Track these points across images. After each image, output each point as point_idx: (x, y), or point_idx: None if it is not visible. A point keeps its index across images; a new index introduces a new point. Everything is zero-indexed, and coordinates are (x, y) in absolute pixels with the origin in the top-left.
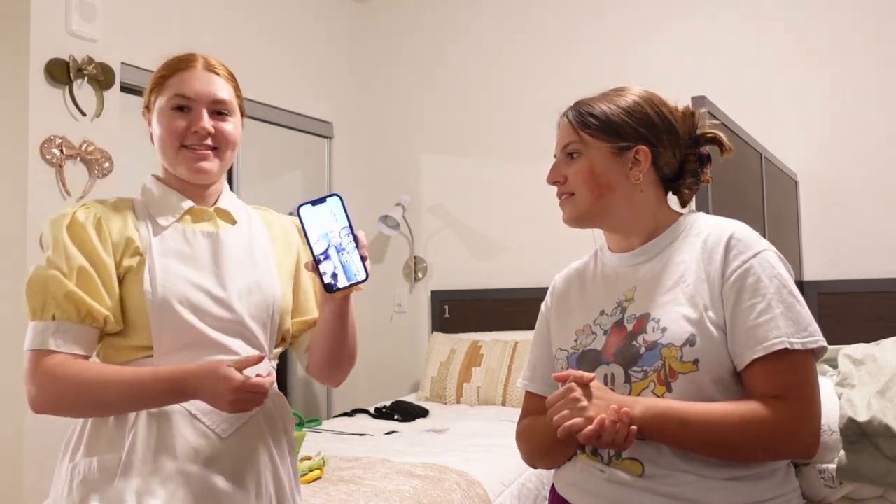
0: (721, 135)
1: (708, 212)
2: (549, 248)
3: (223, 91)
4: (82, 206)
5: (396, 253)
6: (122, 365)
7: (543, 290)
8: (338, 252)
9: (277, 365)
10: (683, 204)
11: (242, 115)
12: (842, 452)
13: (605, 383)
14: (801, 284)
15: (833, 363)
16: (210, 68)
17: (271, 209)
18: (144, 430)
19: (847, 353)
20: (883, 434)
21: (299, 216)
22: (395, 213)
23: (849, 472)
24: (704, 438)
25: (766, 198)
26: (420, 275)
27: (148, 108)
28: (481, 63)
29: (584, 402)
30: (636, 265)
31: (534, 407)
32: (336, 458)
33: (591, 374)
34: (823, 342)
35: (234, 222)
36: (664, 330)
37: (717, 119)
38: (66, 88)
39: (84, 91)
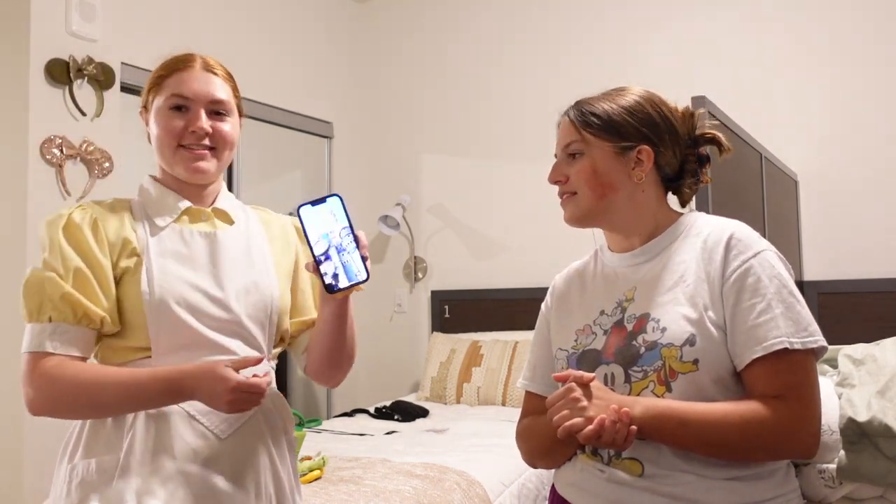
0: (720, 135)
1: (708, 212)
2: (549, 248)
3: (221, 91)
4: (78, 206)
5: (396, 253)
6: (120, 366)
7: (543, 290)
8: (338, 252)
9: (278, 365)
10: (683, 204)
11: (240, 115)
12: (842, 452)
13: (605, 383)
14: (801, 284)
15: (833, 363)
16: (208, 68)
17: (270, 209)
18: (143, 432)
19: (847, 353)
20: (883, 434)
21: (299, 217)
22: (395, 213)
23: (849, 472)
24: (704, 438)
25: (766, 198)
26: (420, 275)
27: (145, 107)
28: (481, 63)
29: (585, 402)
30: (636, 265)
31: (534, 407)
32: (336, 458)
33: (592, 375)
34: (823, 342)
35: (231, 222)
36: (664, 330)
37: (717, 119)
38: (66, 88)
39: (84, 91)
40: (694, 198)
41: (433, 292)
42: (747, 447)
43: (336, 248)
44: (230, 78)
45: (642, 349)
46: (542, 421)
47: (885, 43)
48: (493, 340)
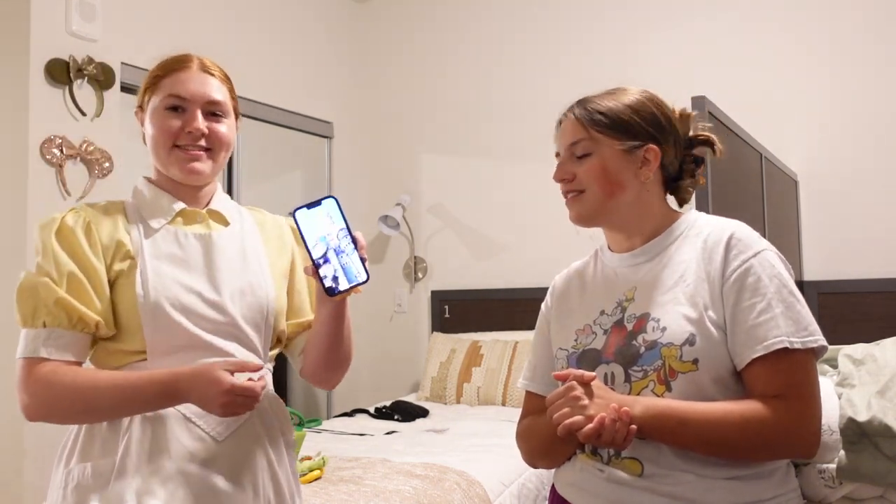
0: (714, 137)
1: (708, 212)
2: (549, 248)
3: (218, 92)
4: (72, 210)
5: (396, 253)
6: (117, 369)
7: (543, 290)
8: (337, 255)
9: (277, 365)
10: (681, 204)
11: (237, 116)
12: (842, 452)
13: (605, 383)
14: (801, 284)
15: (833, 363)
16: (205, 69)
17: (270, 209)
18: (139, 435)
19: (847, 353)
20: (883, 434)
21: (295, 220)
22: (395, 213)
23: (849, 472)
24: (704, 437)
25: (766, 198)
26: (420, 275)
27: (141, 107)
28: (481, 63)
29: (586, 401)
30: (636, 265)
31: (534, 407)
32: (336, 458)
33: (592, 374)
34: (823, 341)
35: (226, 224)
36: (664, 329)
37: (717, 119)
38: (66, 88)
39: (84, 91)
40: (694, 198)
41: (433, 292)
42: (747, 446)
43: (334, 250)
44: (227, 79)
45: (642, 349)
46: (543, 421)
47: (885, 43)
48: (493, 340)
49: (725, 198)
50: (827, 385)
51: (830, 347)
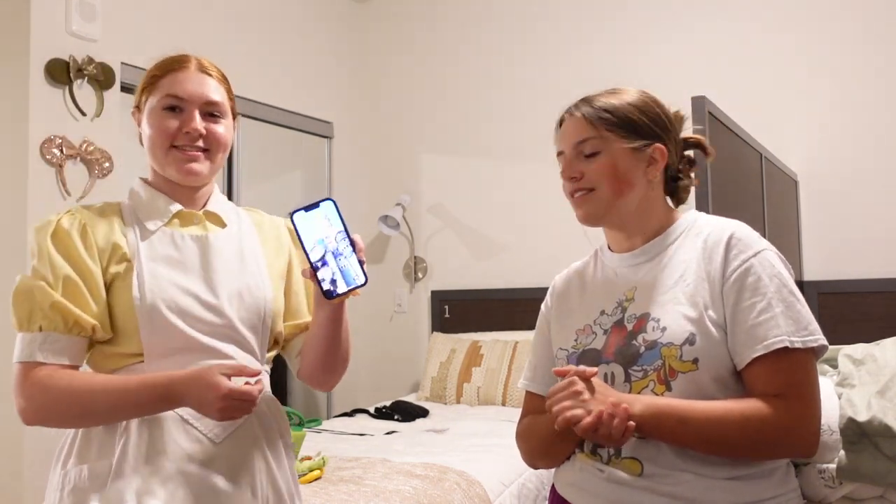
0: (705, 140)
1: (708, 212)
2: (549, 248)
3: (216, 93)
4: (67, 212)
5: (396, 253)
6: (113, 371)
7: (543, 290)
8: (335, 257)
9: (277, 366)
10: (678, 204)
11: (234, 117)
12: (842, 452)
13: (605, 383)
14: (801, 284)
15: (833, 363)
16: (203, 69)
17: (270, 209)
18: (136, 437)
19: (847, 353)
20: (883, 434)
21: (293, 223)
22: (395, 213)
23: (849, 472)
24: (704, 436)
25: (766, 198)
26: (420, 275)
27: (138, 108)
28: (481, 63)
29: (586, 396)
30: (636, 265)
31: (534, 407)
32: (336, 458)
33: (594, 369)
34: (824, 341)
35: (223, 225)
36: (664, 329)
37: (717, 119)
38: (66, 88)
39: (84, 91)
40: (694, 198)
41: (433, 292)
42: (747, 445)
43: (332, 253)
44: (224, 80)
45: (642, 348)
46: (543, 420)
47: (886, 43)
48: (493, 340)
49: (725, 198)
50: (827, 385)
51: (830, 347)
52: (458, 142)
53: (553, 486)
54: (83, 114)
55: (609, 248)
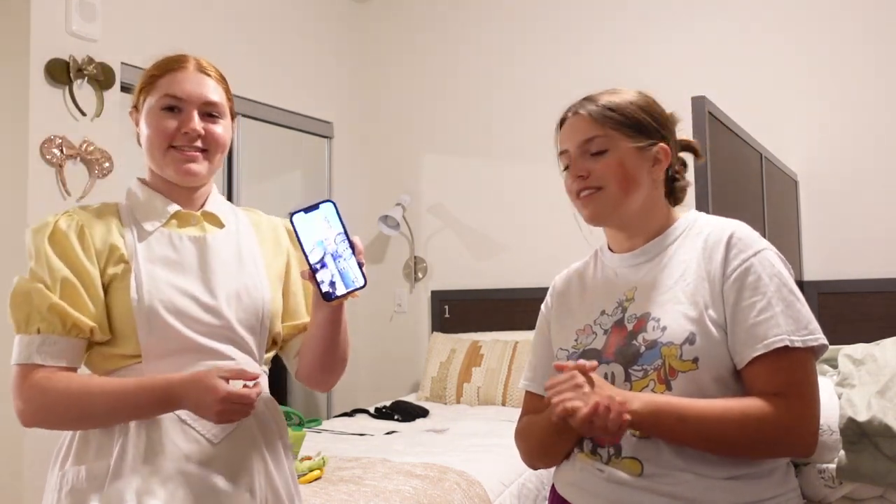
0: (696, 142)
1: (708, 212)
2: (549, 248)
3: (214, 93)
4: (65, 213)
5: (396, 253)
6: (112, 372)
7: (543, 290)
8: (334, 259)
9: (276, 366)
10: (675, 204)
11: (233, 118)
12: (842, 452)
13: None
14: (801, 284)
15: (833, 363)
16: (202, 70)
17: (270, 209)
18: (134, 437)
19: (847, 353)
20: (883, 434)
21: (293, 225)
22: (395, 213)
23: (849, 471)
24: (704, 433)
25: (766, 198)
26: (420, 275)
27: (136, 107)
28: (481, 62)
29: (587, 389)
30: (637, 265)
31: (534, 406)
32: (336, 458)
33: (593, 363)
34: (824, 340)
35: (221, 226)
36: (664, 329)
37: (717, 119)
38: (66, 88)
39: (84, 91)
40: (694, 198)
41: (433, 292)
42: (746, 443)
43: (332, 255)
44: (223, 80)
45: (642, 348)
46: (541, 419)
47: (885, 43)
48: (493, 340)
49: (725, 198)
50: (827, 385)
51: (830, 347)
52: (458, 142)
53: (553, 486)
54: (83, 114)
55: (609, 248)
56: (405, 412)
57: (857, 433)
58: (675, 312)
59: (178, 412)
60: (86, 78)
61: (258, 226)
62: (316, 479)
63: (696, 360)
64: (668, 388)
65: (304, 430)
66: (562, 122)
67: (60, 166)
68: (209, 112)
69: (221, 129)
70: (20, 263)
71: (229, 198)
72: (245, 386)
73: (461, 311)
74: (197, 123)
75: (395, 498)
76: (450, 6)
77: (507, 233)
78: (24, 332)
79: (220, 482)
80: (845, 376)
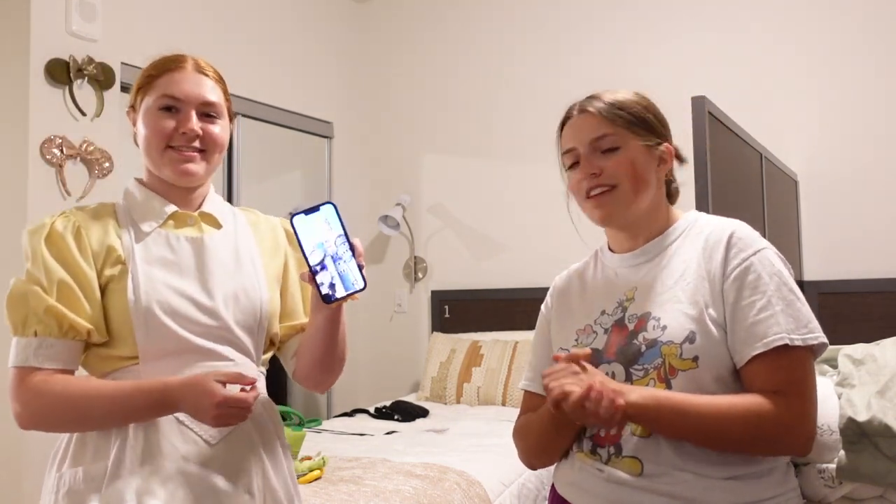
0: (679, 149)
1: (708, 212)
2: (549, 248)
3: (212, 94)
4: (61, 214)
5: (396, 253)
6: (109, 374)
7: (543, 290)
8: (334, 261)
9: (276, 366)
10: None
11: (231, 118)
12: (842, 452)
13: None
14: (801, 284)
15: (833, 363)
16: (200, 70)
17: (267, 210)
18: (132, 439)
19: (847, 353)
20: (883, 434)
21: (293, 226)
22: (395, 213)
23: (849, 471)
24: (703, 429)
25: (766, 198)
26: (420, 275)
27: (133, 107)
28: (482, 62)
29: (584, 377)
30: (637, 265)
31: (533, 406)
32: (336, 458)
33: (586, 350)
34: (824, 338)
35: (219, 226)
36: (664, 327)
37: (717, 119)
38: (66, 88)
39: (84, 91)
40: (694, 198)
41: (433, 292)
42: (746, 440)
43: (332, 257)
44: (221, 80)
45: (643, 347)
46: (539, 416)
47: (885, 42)
48: (493, 340)
49: (725, 198)
50: (827, 385)
51: (830, 347)
52: (459, 142)
53: (553, 486)
54: (83, 114)
55: (609, 248)
56: (405, 412)
57: (856, 433)
58: (675, 311)
59: (175, 414)
60: (86, 78)
61: (256, 226)
62: (316, 479)
63: (696, 359)
64: (668, 386)
65: (304, 430)
66: (566, 120)
67: (60, 166)
68: (207, 112)
69: (219, 129)
70: (20, 264)
71: (229, 198)
72: (242, 390)
73: (461, 311)
74: (195, 124)
75: (395, 498)
76: (450, 6)
77: (507, 233)
78: (20, 334)
79: (220, 482)
80: (845, 376)
